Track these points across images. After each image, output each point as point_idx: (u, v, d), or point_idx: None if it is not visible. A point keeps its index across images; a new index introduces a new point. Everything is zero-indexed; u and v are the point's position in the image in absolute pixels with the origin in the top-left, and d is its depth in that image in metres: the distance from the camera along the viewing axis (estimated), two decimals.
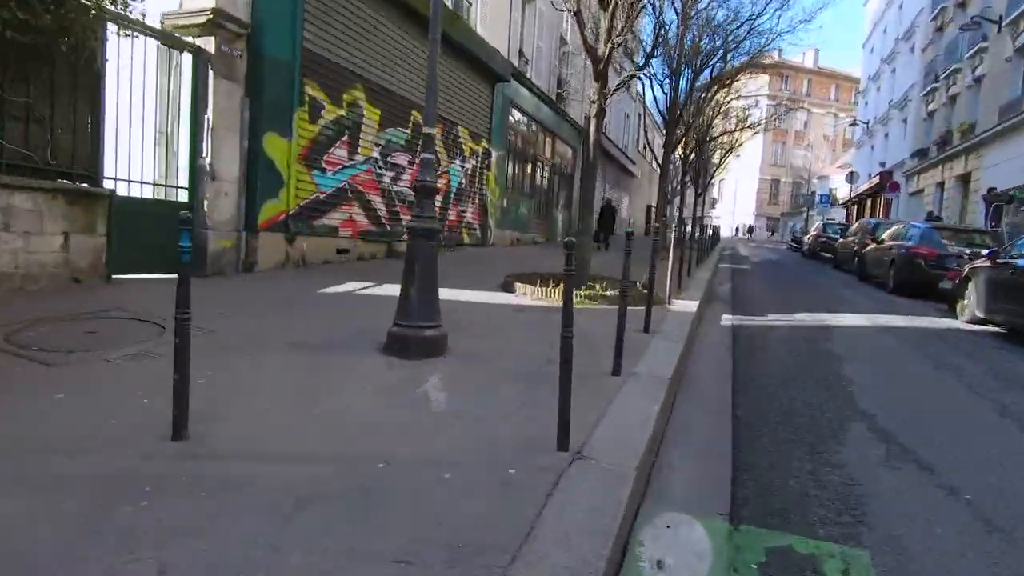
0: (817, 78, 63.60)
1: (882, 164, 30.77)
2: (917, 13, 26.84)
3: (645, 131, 23.71)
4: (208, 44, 6.57)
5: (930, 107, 24.09)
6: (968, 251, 11.32)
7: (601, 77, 7.35)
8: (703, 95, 18.60)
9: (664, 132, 16.25)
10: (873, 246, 14.16)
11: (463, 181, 12.59)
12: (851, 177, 31.27)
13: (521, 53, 15.57)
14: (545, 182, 18.65)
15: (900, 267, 12.00)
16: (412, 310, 4.03)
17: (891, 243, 13.17)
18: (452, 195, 12.16)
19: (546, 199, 18.84)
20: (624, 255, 4.44)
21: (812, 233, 25.35)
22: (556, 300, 6.95)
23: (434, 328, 4.10)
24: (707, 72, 16.24)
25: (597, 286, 7.45)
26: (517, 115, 15.80)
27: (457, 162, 12.28)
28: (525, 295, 7.19)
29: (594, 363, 4.03)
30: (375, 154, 9.55)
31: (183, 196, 6.62)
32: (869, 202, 33.17)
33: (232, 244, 7.13)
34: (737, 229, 64.11)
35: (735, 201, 68.32)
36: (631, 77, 10.49)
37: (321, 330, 4.74)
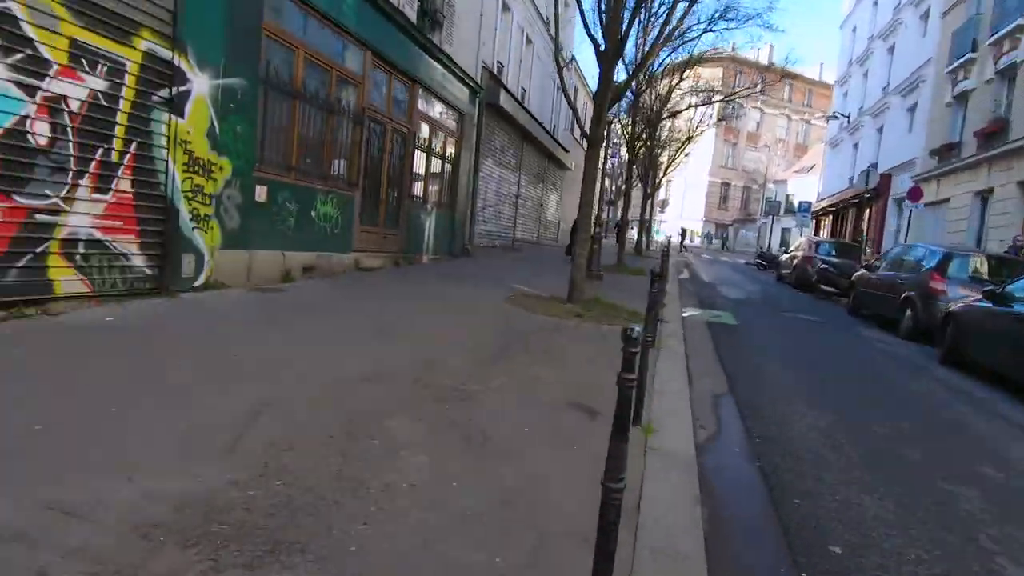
0: (771, 77, 58.34)
1: (872, 166, 24.52)
2: None
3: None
4: None
5: (961, 86, 17.69)
6: None
7: None
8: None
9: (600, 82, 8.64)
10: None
11: (31, 127, 4.60)
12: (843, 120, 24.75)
13: None
14: (393, 163, 10.83)
15: None
16: None
17: None
18: None
19: (398, 193, 11.00)
20: None
21: (796, 253, 18.65)
22: None
23: None
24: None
25: None
26: (304, 23, 7.93)
27: None
28: None
29: None
30: None
31: None
32: (851, 213, 26.96)
33: None
34: (668, 237, 56.09)
35: (682, 205, 62.55)
36: None
37: None
